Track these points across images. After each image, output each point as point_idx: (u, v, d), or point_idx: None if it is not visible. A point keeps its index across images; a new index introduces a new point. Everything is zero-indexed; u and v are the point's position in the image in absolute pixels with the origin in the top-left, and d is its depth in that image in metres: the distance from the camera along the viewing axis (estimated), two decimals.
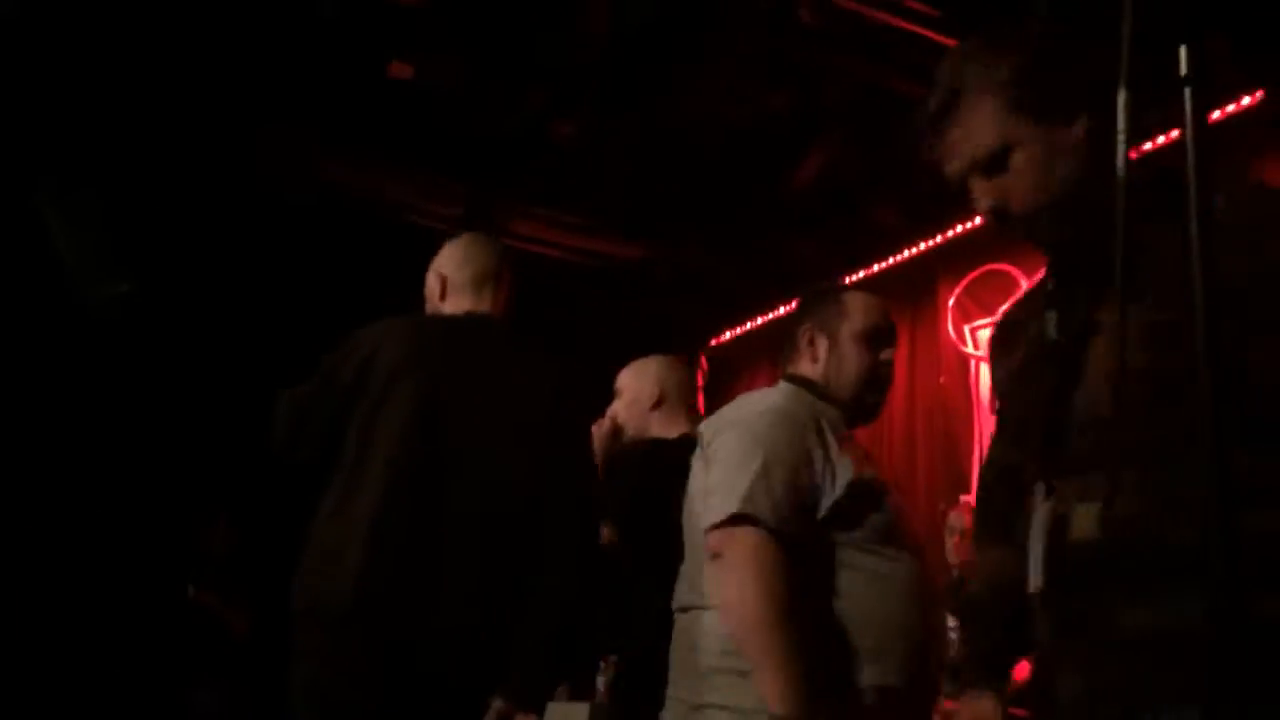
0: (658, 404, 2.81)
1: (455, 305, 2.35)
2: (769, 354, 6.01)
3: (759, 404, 2.11)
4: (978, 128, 1.37)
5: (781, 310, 5.94)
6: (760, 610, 1.82)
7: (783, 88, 4.60)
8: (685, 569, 2.14)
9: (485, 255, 2.39)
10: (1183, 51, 0.73)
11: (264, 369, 2.84)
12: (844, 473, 1.96)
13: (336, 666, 2.04)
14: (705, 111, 4.70)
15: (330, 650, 2.05)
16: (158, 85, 4.32)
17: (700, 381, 6.72)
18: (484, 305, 2.34)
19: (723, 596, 1.90)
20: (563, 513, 2.17)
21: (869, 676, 1.89)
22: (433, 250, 2.49)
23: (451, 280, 2.36)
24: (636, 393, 2.84)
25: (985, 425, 5.04)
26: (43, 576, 4.71)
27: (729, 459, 1.98)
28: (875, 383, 2.17)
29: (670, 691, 2.08)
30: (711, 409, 2.34)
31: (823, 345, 2.17)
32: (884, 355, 2.18)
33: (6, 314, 4.53)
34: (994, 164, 1.37)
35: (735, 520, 1.89)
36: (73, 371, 4.80)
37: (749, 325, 6.54)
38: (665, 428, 2.78)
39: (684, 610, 2.09)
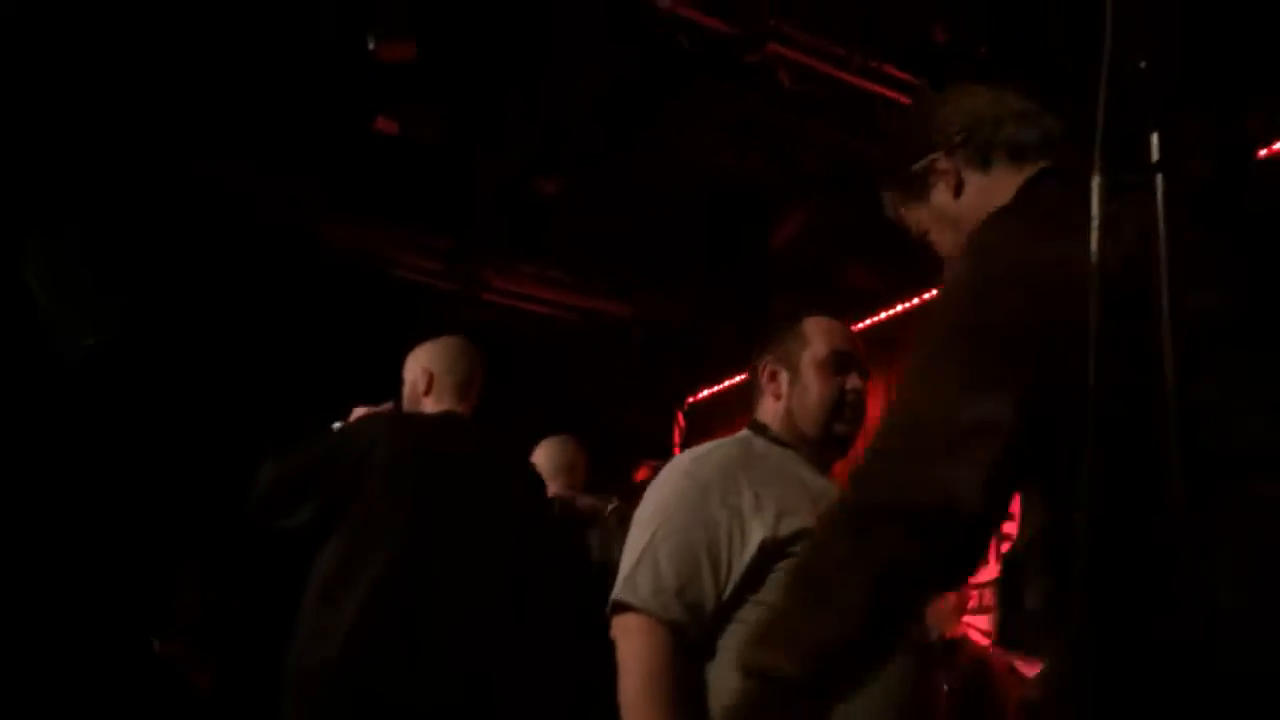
0: None
1: (438, 404, 2.61)
2: (745, 412, 6.01)
3: (673, 469, 1.98)
4: (904, 219, 1.51)
5: None
6: (635, 697, 1.75)
7: (762, 150, 4.68)
8: None
9: (470, 363, 2.68)
10: (1154, 138, 0.75)
11: (241, 418, 2.90)
12: (758, 531, 1.81)
13: None
14: (686, 171, 4.77)
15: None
16: (138, 128, 4.34)
17: (677, 438, 6.78)
18: (461, 407, 2.61)
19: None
20: (548, 592, 2.39)
21: None
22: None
23: (439, 380, 2.62)
24: None
25: None
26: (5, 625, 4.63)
27: (629, 537, 1.91)
28: (842, 410, 2.01)
29: None
30: None
31: (784, 379, 2.04)
32: (850, 383, 2.02)
33: None
34: (927, 244, 1.50)
35: (617, 608, 1.83)
36: (44, 417, 4.76)
37: (726, 383, 6.57)
38: None
39: None
